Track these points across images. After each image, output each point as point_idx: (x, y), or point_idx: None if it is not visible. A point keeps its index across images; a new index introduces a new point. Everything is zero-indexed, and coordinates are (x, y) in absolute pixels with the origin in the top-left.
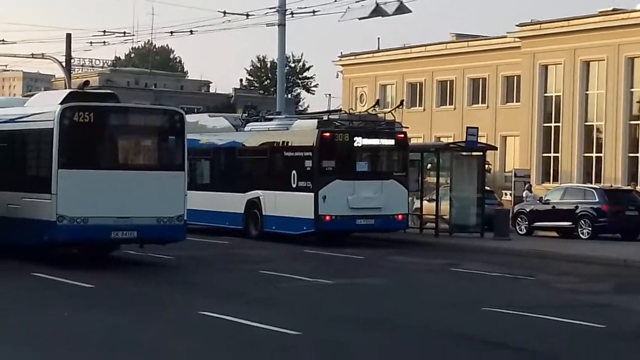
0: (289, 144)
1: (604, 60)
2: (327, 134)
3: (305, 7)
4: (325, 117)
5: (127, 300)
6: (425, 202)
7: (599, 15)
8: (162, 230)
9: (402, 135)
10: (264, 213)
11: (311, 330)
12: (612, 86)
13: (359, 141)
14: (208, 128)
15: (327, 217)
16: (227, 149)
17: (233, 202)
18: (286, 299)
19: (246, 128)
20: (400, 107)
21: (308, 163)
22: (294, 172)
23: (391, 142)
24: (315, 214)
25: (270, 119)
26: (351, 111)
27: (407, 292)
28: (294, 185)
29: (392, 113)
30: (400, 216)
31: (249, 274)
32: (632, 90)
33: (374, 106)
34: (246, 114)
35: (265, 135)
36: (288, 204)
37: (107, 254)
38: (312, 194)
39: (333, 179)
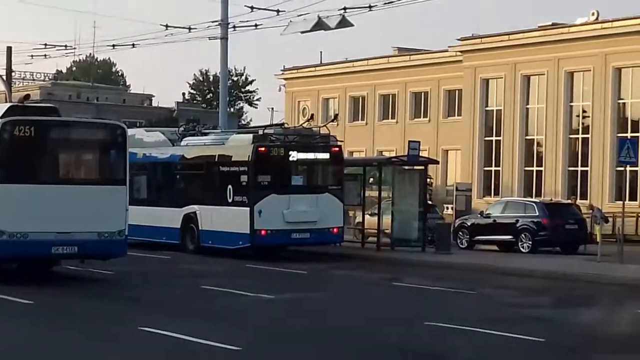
0: (225, 159)
1: (544, 74)
2: (263, 149)
3: (248, 21)
4: (260, 132)
5: (68, 316)
6: (367, 216)
7: (539, 30)
8: (104, 245)
9: (337, 149)
10: (200, 228)
11: (252, 346)
12: (552, 100)
13: (294, 155)
14: (144, 142)
15: (263, 232)
16: (163, 164)
17: (170, 217)
18: (228, 314)
19: (182, 143)
20: (335, 121)
21: (244, 178)
22: (229, 186)
23: (326, 155)
24: (251, 229)
25: (207, 134)
26: (286, 126)
27: (349, 307)
28: (229, 200)
29: (326, 127)
30: (335, 229)
31: (190, 289)
32: (572, 104)
33: (308, 120)
34: (183, 129)
35: (202, 150)
36: (224, 218)
37: (47, 270)
38: (248, 208)
39: (268, 194)
